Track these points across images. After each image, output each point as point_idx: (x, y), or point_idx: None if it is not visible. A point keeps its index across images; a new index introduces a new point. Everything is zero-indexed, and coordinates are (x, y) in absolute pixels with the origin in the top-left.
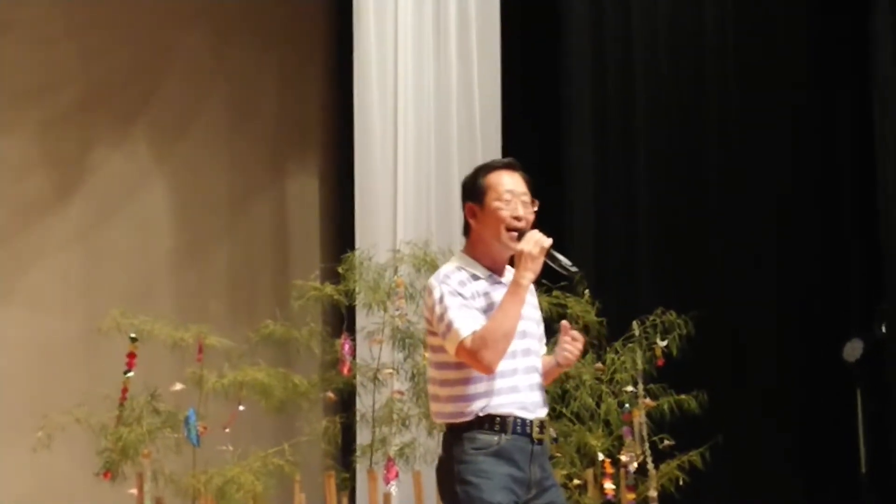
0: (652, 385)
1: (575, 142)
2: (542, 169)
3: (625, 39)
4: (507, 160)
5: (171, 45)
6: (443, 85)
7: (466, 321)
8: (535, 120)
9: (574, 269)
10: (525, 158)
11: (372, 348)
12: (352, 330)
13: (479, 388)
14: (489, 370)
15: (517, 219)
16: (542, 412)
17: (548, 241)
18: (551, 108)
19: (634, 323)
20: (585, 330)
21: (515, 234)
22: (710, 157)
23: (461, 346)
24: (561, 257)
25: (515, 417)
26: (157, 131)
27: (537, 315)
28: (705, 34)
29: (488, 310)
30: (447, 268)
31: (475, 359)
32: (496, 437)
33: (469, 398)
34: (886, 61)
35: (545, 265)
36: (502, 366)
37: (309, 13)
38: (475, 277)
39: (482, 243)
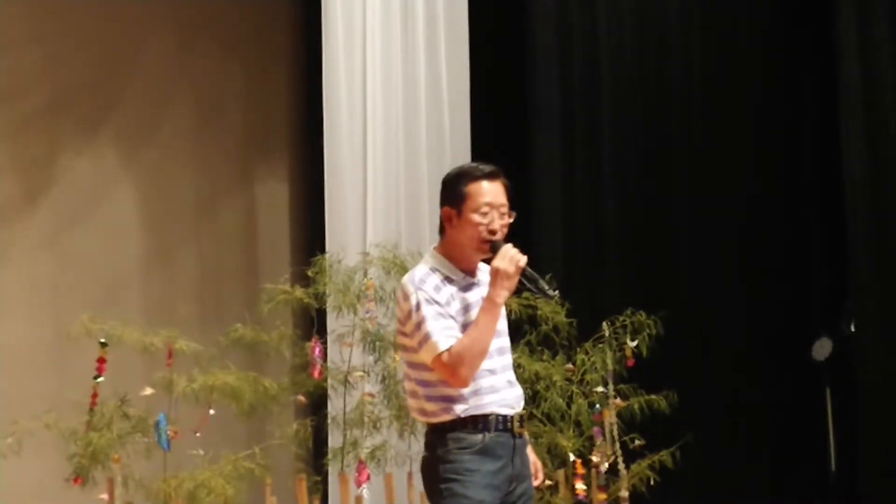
0: (622, 385)
1: (542, 141)
2: (511, 168)
3: (591, 35)
4: (489, 169)
5: (136, 50)
6: (411, 86)
7: (443, 334)
8: (503, 120)
9: (553, 291)
10: (493, 158)
11: (342, 351)
12: (322, 333)
13: (459, 389)
14: (464, 385)
15: (492, 232)
16: (521, 406)
17: (523, 260)
18: (519, 108)
19: (604, 323)
20: (555, 331)
21: (488, 245)
22: (677, 158)
23: (438, 360)
24: (538, 277)
25: (497, 415)
26: (123, 137)
27: (504, 313)
28: (672, 30)
29: (463, 312)
30: (421, 270)
31: (452, 374)
32: (480, 436)
33: (450, 398)
34: (850, 56)
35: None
36: (482, 365)
37: (274, 16)
38: (449, 280)
39: (456, 247)
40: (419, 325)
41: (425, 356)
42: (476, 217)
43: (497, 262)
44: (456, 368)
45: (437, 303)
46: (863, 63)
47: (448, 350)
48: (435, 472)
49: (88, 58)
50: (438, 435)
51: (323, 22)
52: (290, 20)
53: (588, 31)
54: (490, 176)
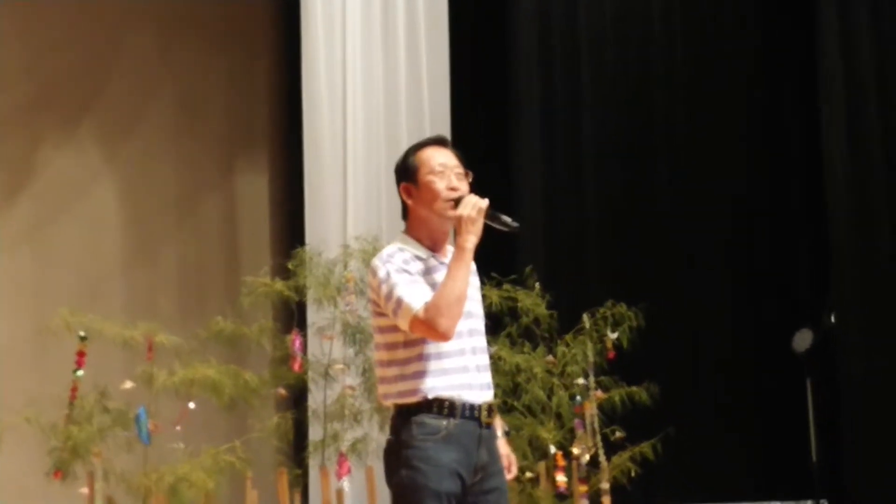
0: (603, 377)
1: (523, 136)
2: (492, 163)
3: (572, 32)
4: (435, 137)
5: (118, 44)
6: (391, 80)
7: (416, 294)
8: (483, 114)
9: (515, 223)
10: (474, 153)
11: (323, 344)
12: (302, 326)
13: (428, 366)
14: (447, 337)
15: (453, 189)
16: (489, 394)
17: (485, 202)
18: (500, 103)
19: (585, 315)
20: (536, 323)
21: (452, 203)
22: (660, 150)
23: (415, 319)
24: (500, 215)
25: (464, 402)
26: (104, 131)
27: (479, 297)
28: (653, 27)
29: (432, 288)
30: (389, 249)
31: (431, 328)
32: (445, 422)
33: (418, 375)
34: (832, 57)
35: (486, 226)
36: (450, 345)
37: (256, 11)
38: (417, 258)
39: (420, 222)
40: (390, 293)
41: (402, 322)
42: (432, 177)
43: (460, 210)
44: (435, 320)
45: (406, 272)
46: (844, 55)
47: (424, 306)
48: (398, 456)
49: (70, 54)
50: (404, 419)
51: (302, 16)
52: (270, 15)
53: (569, 27)
54: (437, 143)
